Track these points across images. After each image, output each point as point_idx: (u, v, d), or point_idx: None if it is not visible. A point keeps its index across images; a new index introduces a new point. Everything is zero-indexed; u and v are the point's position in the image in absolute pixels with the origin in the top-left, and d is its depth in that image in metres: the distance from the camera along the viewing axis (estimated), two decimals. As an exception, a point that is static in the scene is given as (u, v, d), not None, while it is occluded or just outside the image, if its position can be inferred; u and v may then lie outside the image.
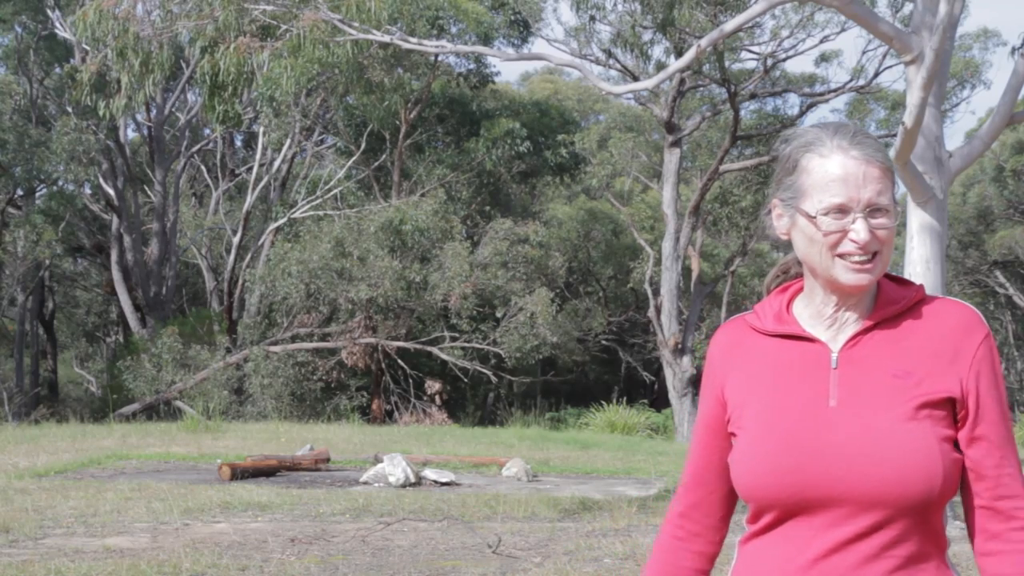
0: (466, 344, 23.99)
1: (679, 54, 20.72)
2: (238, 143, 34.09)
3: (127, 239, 27.95)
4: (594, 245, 33.65)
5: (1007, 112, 8.83)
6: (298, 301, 24.01)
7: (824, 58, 25.94)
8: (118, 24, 11.29)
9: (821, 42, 23.39)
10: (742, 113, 24.14)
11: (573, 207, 34.30)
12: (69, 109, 25.59)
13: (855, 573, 1.61)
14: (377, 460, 11.98)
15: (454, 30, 25.60)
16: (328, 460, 12.69)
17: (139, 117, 28.88)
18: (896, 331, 1.71)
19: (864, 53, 23.73)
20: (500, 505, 9.17)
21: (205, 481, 10.80)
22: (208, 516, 8.49)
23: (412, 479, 10.77)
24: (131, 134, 30.71)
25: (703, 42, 9.47)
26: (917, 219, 8.67)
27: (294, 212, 25.59)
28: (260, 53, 11.05)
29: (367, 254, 23.21)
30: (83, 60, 21.40)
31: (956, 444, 1.67)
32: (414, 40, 12.08)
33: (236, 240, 26.14)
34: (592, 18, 23.02)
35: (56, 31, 26.53)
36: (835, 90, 24.71)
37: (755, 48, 23.54)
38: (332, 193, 25.90)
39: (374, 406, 24.50)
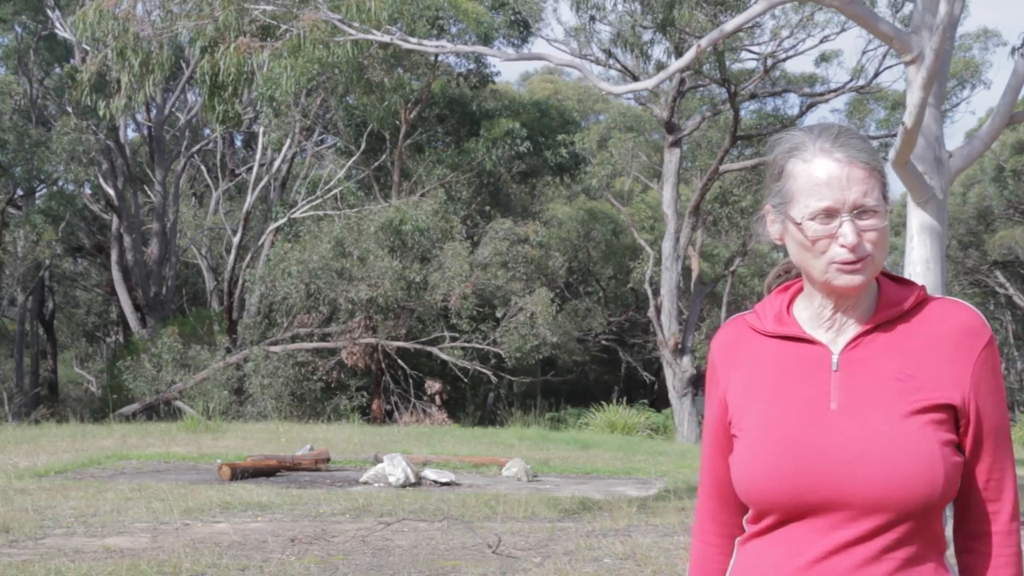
0: (466, 344, 23.99)
1: (679, 54, 20.72)
2: (238, 143, 34.09)
3: (127, 239, 27.95)
4: (594, 245, 33.65)
5: (1007, 112, 8.83)
6: (298, 301, 24.00)
7: (824, 58, 25.94)
8: (118, 24, 11.29)
9: (821, 42, 23.41)
10: (742, 113, 24.15)
11: (573, 207, 34.30)
12: (69, 109, 25.59)
13: (855, 574, 1.61)
14: (377, 460, 11.98)
15: (454, 30, 25.60)
16: (328, 460, 12.69)
17: (139, 117, 28.88)
18: (898, 333, 1.70)
19: (864, 53, 23.76)
20: (500, 505, 9.17)
21: (205, 481, 10.80)
22: (208, 516, 8.49)
23: (412, 479, 10.77)
24: (131, 134, 30.71)
25: (703, 42, 9.47)
26: (917, 219, 8.67)
27: (294, 212, 25.59)
28: (260, 53, 11.05)
29: (367, 254, 23.21)
30: (83, 60, 21.40)
31: (959, 447, 1.67)
32: (414, 40, 12.08)
33: (236, 240, 26.13)
34: (592, 18, 23.03)
35: (56, 31, 26.53)
36: (835, 90, 24.71)
37: (755, 48, 23.55)
38: (332, 193, 25.90)
39: (374, 406, 24.50)
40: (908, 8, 19.27)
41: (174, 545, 7.11)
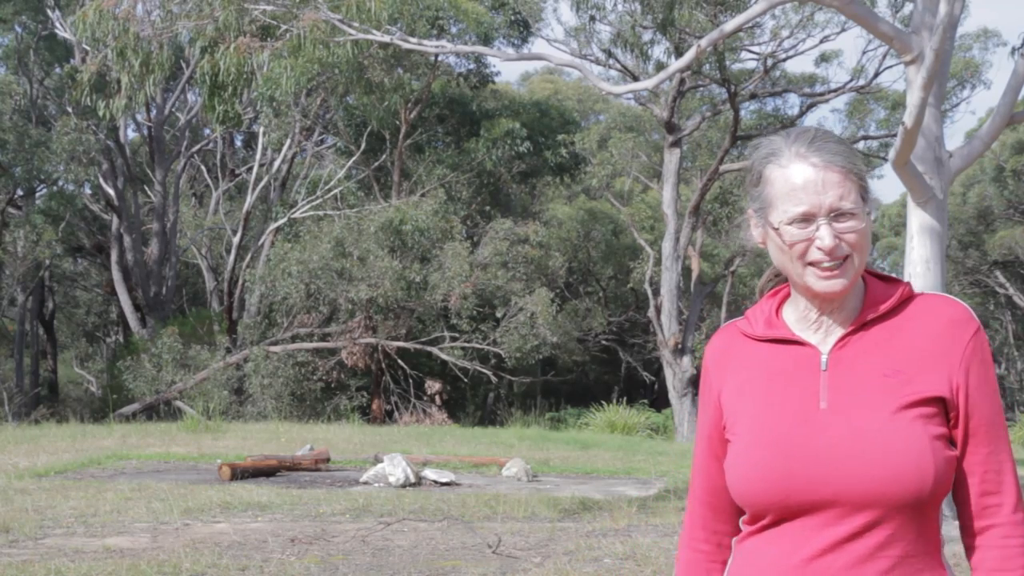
0: (466, 344, 23.99)
1: (679, 54, 20.72)
2: (238, 143, 34.09)
3: (127, 239, 27.95)
4: (594, 245, 33.64)
5: (1007, 112, 8.84)
6: (298, 301, 24.01)
7: (824, 58, 25.94)
8: (118, 24, 11.29)
9: (821, 42, 23.41)
10: (742, 113, 24.15)
11: (573, 207, 34.30)
12: (69, 109, 25.59)
13: (850, 572, 1.61)
14: (377, 460, 11.98)
15: (454, 30, 25.60)
16: (328, 460, 12.69)
17: (139, 117, 28.88)
18: (885, 330, 1.71)
19: (864, 53, 23.76)
20: (500, 505, 9.17)
21: (205, 481, 10.80)
22: (208, 516, 8.49)
23: (412, 479, 10.77)
24: (131, 134, 30.71)
25: (703, 42, 9.47)
26: (917, 219, 8.67)
27: (294, 212, 25.59)
28: (260, 53, 11.06)
29: (367, 254, 23.21)
30: (83, 60, 21.40)
31: (951, 441, 1.67)
32: (414, 40, 12.09)
33: (236, 240, 26.14)
34: (592, 18, 23.03)
35: (56, 31, 26.53)
36: (835, 90, 24.71)
37: (755, 48, 23.55)
38: (332, 193, 25.90)
39: (374, 406, 24.50)
40: (908, 8, 19.26)
41: (174, 545, 7.11)
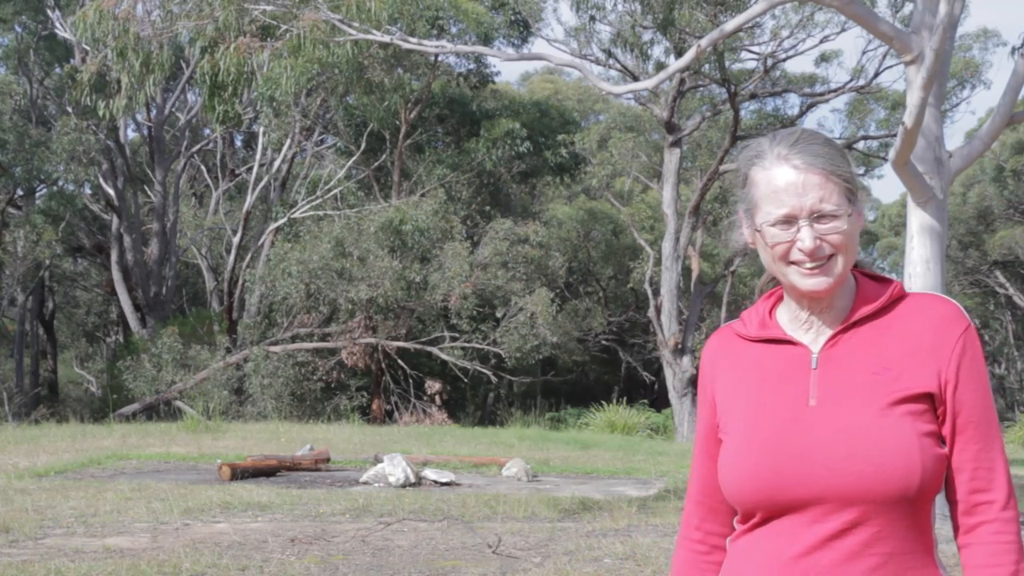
0: (466, 344, 23.99)
1: (679, 54, 20.72)
2: (238, 143, 34.09)
3: (127, 239, 27.95)
4: (594, 245, 33.64)
5: (1007, 112, 8.83)
6: (298, 301, 24.01)
7: (824, 58, 25.94)
8: (118, 24, 11.29)
9: (821, 42, 23.40)
10: (742, 113, 24.14)
11: (573, 207, 34.30)
12: (69, 109, 25.59)
13: (838, 569, 1.62)
14: (377, 460, 11.98)
15: (454, 30, 25.60)
16: (328, 460, 12.69)
17: (139, 117, 28.88)
18: (876, 328, 1.72)
19: (864, 53, 23.75)
20: (500, 505, 9.17)
21: (205, 481, 10.80)
22: (208, 516, 8.49)
23: (412, 479, 10.77)
24: (131, 134, 30.72)
25: (703, 42, 9.47)
26: (917, 219, 8.67)
27: (294, 212, 25.59)
28: (260, 53, 11.06)
29: (367, 254, 23.21)
30: (83, 60, 21.40)
31: (941, 439, 1.67)
32: (414, 40, 12.09)
33: (236, 240, 26.14)
34: (592, 18, 23.03)
35: (56, 31, 26.53)
36: (835, 90, 24.71)
37: (755, 48, 23.55)
38: (332, 193, 25.90)
39: (374, 406, 24.50)
40: (908, 8, 19.27)
41: (174, 545, 7.11)
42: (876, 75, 23.54)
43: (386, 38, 11.00)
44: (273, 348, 23.23)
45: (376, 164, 27.83)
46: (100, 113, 13.23)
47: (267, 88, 11.49)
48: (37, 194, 29.92)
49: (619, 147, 26.44)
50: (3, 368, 32.65)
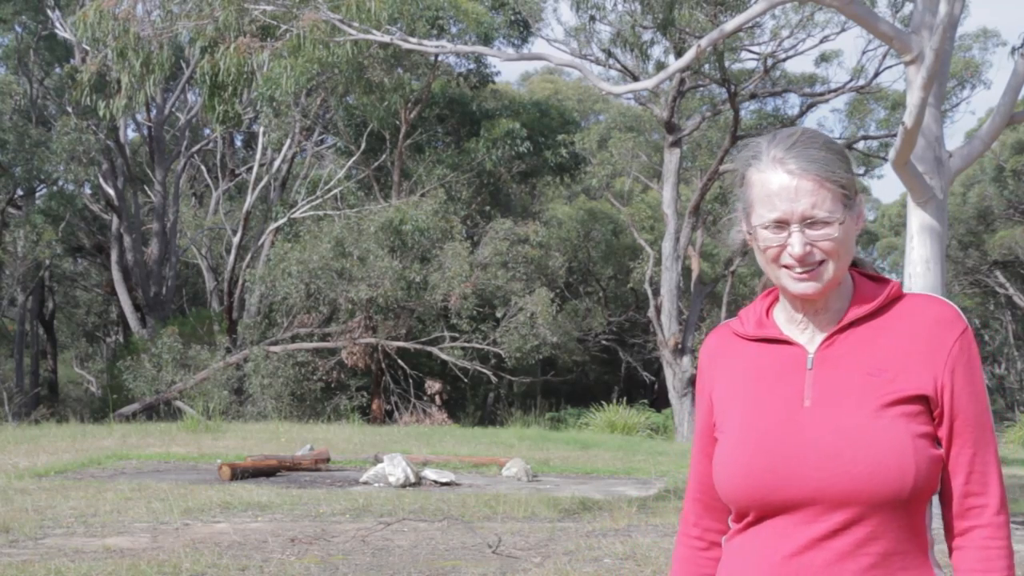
0: (466, 344, 23.99)
1: (679, 54, 20.72)
2: (238, 143, 34.09)
3: (127, 239, 27.96)
4: (594, 245, 33.64)
5: (1007, 112, 8.83)
6: (298, 301, 24.01)
7: (824, 58, 25.94)
8: (118, 24, 11.29)
9: (821, 42, 23.40)
10: (742, 113, 24.14)
11: (573, 207, 34.30)
12: (69, 109, 25.59)
13: (830, 569, 1.62)
14: (377, 460, 11.98)
15: (454, 30, 25.60)
16: (328, 460, 12.68)
17: (139, 117, 28.89)
18: (872, 329, 1.72)
19: (864, 53, 23.74)
20: (500, 505, 9.17)
21: (205, 481, 10.80)
22: (208, 516, 8.49)
23: (412, 479, 10.77)
24: (131, 134, 30.72)
25: (703, 42, 9.47)
26: (917, 219, 8.67)
27: (294, 212, 25.59)
28: (260, 53, 11.06)
29: (367, 254, 23.21)
30: (83, 60, 21.40)
31: (937, 442, 1.67)
32: (414, 40, 12.09)
33: (236, 240, 26.14)
34: (592, 18, 23.02)
35: (56, 31, 26.54)
36: (835, 90, 24.70)
37: (755, 48, 23.54)
38: (332, 193, 25.90)
39: (374, 406, 24.50)
40: (908, 8, 19.26)
41: (174, 545, 7.11)
42: (876, 75, 23.54)
43: (386, 38, 11.00)
44: (273, 348, 23.24)
45: (376, 164, 27.83)
46: (100, 113, 13.24)
47: (267, 88, 11.49)
48: (37, 194, 29.92)
49: (619, 147, 26.44)
50: (3, 368, 32.66)
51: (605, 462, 13.94)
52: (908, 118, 7.64)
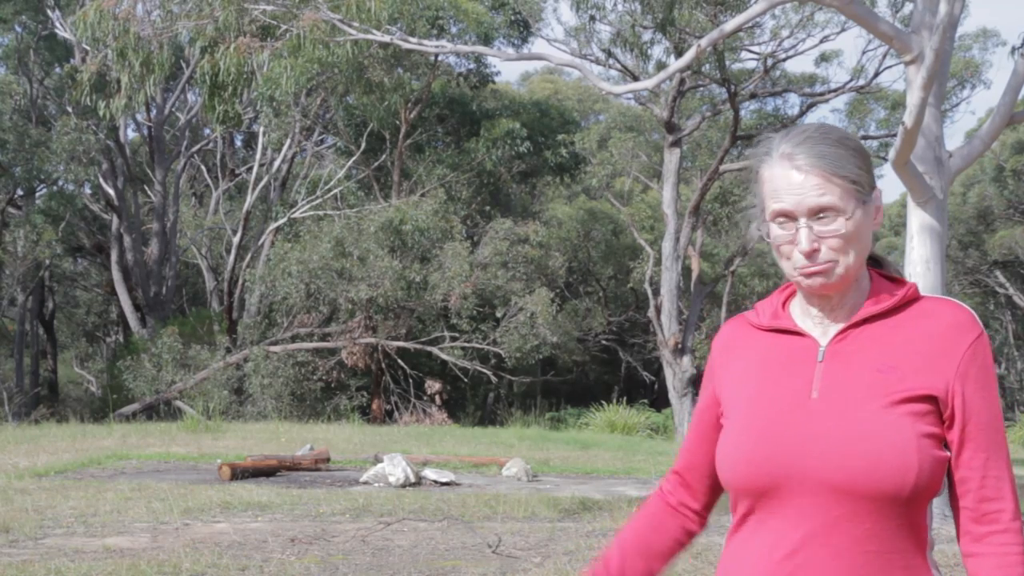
0: (466, 344, 23.99)
1: (679, 54, 20.71)
2: (238, 143, 34.10)
3: (127, 239, 27.95)
4: (594, 245, 33.65)
5: (1007, 112, 8.84)
6: (298, 301, 24.01)
7: (824, 58, 25.94)
8: (118, 24, 11.29)
9: (821, 42, 23.40)
10: (742, 113, 24.14)
11: (573, 207, 34.30)
12: (69, 109, 25.60)
13: (826, 564, 1.62)
14: (377, 460, 11.98)
15: (454, 30, 25.60)
16: (328, 460, 12.68)
17: (139, 117, 28.89)
18: (886, 327, 1.72)
19: (864, 53, 23.74)
20: (500, 505, 9.17)
21: (205, 481, 10.80)
22: (208, 516, 8.49)
23: (412, 479, 10.77)
24: (131, 134, 30.72)
25: (703, 42, 9.47)
26: (917, 219, 8.67)
27: (294, 212, 25.59)
28: (260, 53, 11.06)
29: (367, 254, 23.21)
30: (83, 60, 21.41)
31: (945, 443, 1.67)
32: (414, 40, 12.09)
33: (236, 240, 26.14)
34: (592, 18, 23.01)
35: (56, 31, 26.54)
36: (835, 90, 24.70)
37: (755, 48, 23.54)
38: (332, 193, 25.91)
39: (374, 406, 24.50)
40: (908, 8, 19.27)
41: (174, 545, 7.11)
42: (876, 75, 23.53)
43: (386, 38, 11.00)
44: (273, 348, 23.24)
45: (376, 164, 27.83)
46: (100, 113, 13.24)
47: (267, 88, 11.49)
48: (37, 194, 29.92)
49: (619, 147, 26.43)
50: (3, 368, 32.66)
51: (605, 462, 13.94)
52: (908, 118, 7.64)
